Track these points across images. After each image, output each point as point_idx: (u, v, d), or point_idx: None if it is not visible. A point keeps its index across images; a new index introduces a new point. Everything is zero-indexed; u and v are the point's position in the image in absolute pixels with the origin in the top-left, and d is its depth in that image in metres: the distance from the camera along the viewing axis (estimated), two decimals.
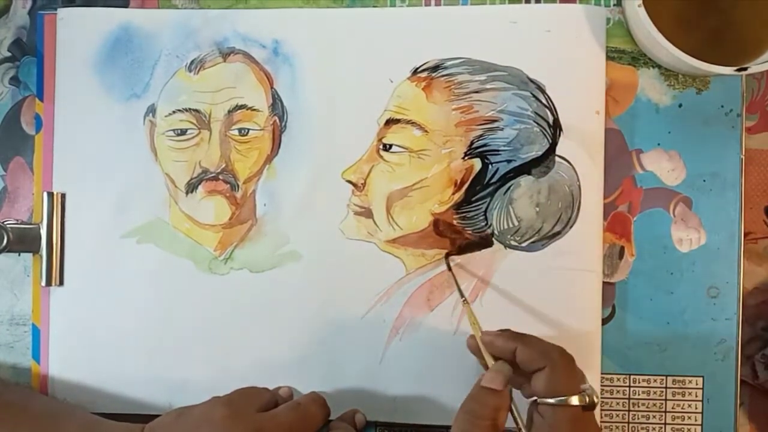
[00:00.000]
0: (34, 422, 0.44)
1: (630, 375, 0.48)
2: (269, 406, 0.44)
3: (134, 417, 0.48)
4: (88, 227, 0.50)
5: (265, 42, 0.49)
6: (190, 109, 0.49)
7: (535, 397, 0.39)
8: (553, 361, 0.38)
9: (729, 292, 0.47)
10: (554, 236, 0.47)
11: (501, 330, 0.42)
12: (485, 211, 0.48)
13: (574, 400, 0.38)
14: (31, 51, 0.51)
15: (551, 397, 0.38)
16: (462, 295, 0.45)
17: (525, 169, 0.47)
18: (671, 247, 0.48)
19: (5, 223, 0.49)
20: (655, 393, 0.48)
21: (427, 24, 0.48)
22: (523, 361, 0.39)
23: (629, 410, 0.48)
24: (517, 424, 0.39)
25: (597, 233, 0.47)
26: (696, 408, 0.47)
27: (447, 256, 0.47)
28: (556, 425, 0.37)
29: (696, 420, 0.47)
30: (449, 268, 0.47)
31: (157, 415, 0.44)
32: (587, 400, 0.38)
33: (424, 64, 0.48)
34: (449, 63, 0.48)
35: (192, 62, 0.50)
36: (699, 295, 0.47)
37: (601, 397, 0.48)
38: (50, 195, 0.50)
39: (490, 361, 0.41)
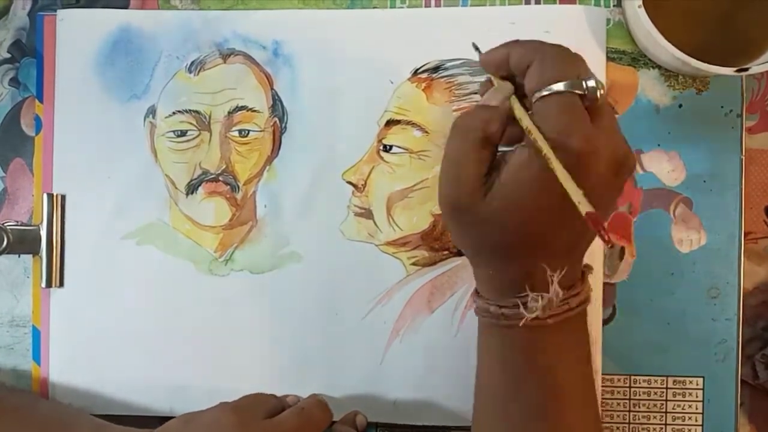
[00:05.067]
0: (42, 427, 0.44)
1: (630, 375, 0.48)
2: (276, 413, 0.44)
3: (134, 419, 0.48)
4: (88, 228, 0.50)
5: (265, 43, 0.49)
6: (190, 110, 0.49)
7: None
8: (542, 51, 0.34)
9: (729, 293, 0.47)
10: None
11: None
12: None
13: (560, 86, 0.32)
14: (30, 52, 0.51)
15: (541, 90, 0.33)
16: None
17: None
18: (671, 248, 0.48)
19: (5, 224, 0.49)
20: (655, 393, 0.48)
21: (427, 25, 0.48)
22: (516, 64, 0.34)
23: (630, 410, 0.48)
24: (522, 127, 0.33)
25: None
26: (696, 408, 0.47)
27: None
28: (541, 115, 0.33)
29: (696, 420, 0.47)
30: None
31: (157, 417, 0.44)
32: (584, 86, 0.32)
33: (425, 65, 0.48)
34: (449, 64, 0.48)
35: (192, 63, 0.50)
36: (699, 296, 0.47)
37: (602, 398, 0.47)
38: (50, 196, 0.50)
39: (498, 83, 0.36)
